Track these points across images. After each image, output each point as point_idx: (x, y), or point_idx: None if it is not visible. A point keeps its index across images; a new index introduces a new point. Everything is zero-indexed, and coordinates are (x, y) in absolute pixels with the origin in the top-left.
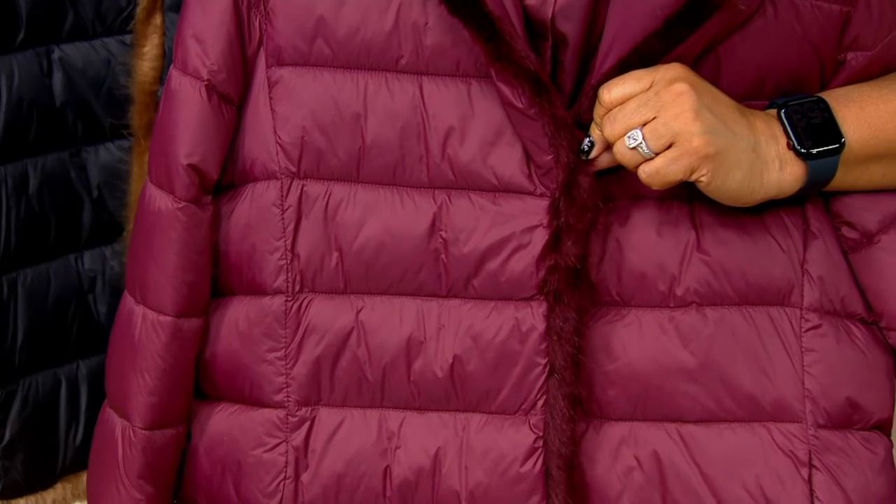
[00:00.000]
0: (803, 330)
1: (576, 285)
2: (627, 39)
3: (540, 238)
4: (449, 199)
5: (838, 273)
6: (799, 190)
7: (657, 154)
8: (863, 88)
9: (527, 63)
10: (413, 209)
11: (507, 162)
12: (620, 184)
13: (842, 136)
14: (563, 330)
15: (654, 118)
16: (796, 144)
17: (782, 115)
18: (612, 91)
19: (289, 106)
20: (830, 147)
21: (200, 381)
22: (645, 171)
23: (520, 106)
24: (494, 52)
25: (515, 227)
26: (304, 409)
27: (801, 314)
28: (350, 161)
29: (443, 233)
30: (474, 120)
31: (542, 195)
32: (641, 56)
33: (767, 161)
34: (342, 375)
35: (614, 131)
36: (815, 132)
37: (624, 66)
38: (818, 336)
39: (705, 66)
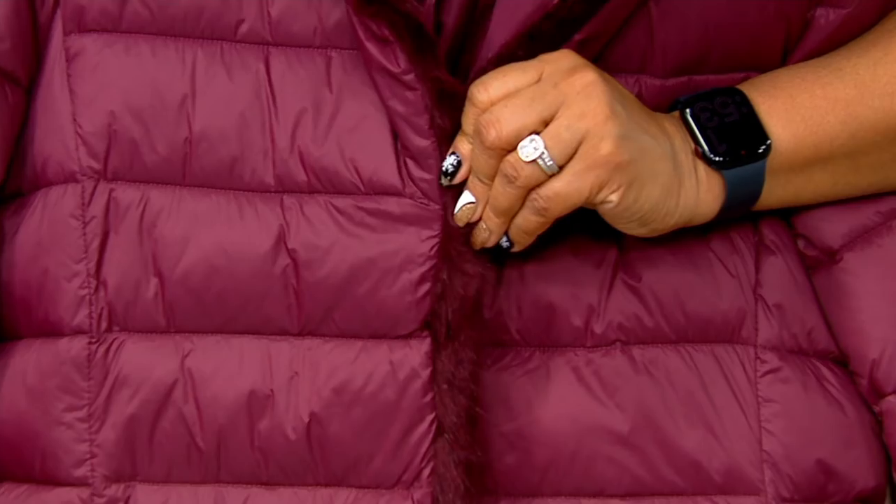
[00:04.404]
0: (759, 374)
1: (473, 317)
2: None
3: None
4: (300, 206)
5: (802, 299)
6: (719, 212)
7: (561, 168)
8: (795, 72)
9: (406, 7)
10: (254, 220)
11: (372, 153)
12: None
13: (767, 137)
14: (456, 376)
15: (552, 118)
16: (707, 150)
17: (687, 115)
18: (491, 87)
19: (92, 85)
20: (751, 151)
21: None
22: (542, 197)
23: (395, 70)
24: None
25: (388, 241)
26: (114, 487)
27: (756, 353)
28: (173, 157)
29: (293, 251)
30: (333, 102)
31: (418, 198)
32: (555, 22)
33: (684, 173)
34: (164, 441)
35: (502, 135)
36: (731, 133)
37: (533, 35)
38: (778, 381)
39: (634, 30)
